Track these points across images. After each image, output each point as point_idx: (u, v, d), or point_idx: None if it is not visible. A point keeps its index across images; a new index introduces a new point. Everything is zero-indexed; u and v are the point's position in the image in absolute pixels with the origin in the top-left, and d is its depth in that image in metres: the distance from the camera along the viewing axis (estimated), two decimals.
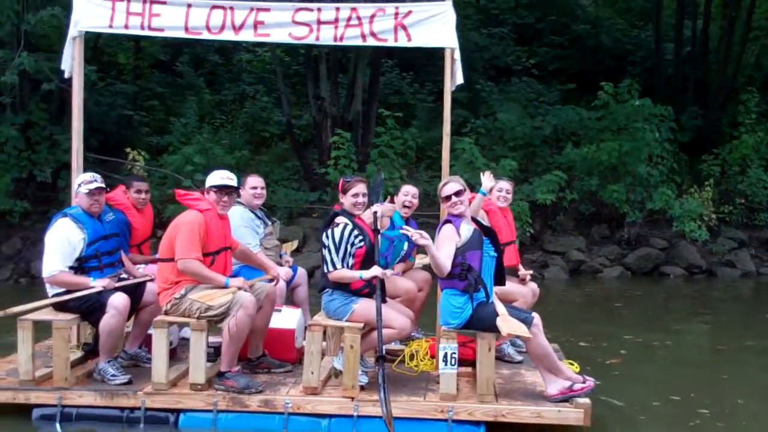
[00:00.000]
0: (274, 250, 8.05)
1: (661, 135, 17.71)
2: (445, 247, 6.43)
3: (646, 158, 17.36)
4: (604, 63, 22.22)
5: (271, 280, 7.19)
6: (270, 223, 8.11)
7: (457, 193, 6.52)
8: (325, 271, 6.64)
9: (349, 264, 6.59)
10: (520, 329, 6.26)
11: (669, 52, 21.95)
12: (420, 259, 8.52)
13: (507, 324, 6.26)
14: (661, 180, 17.52)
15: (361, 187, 6.79)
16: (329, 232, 6.62)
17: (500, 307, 6.45)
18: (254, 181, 7.86)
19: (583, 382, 6.50)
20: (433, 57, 21.90)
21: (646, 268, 17.33)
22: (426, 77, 21.92)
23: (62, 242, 6.77)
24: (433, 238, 6.46)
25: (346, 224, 6.61)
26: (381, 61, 19.84)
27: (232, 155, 17.31)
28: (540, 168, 18.04)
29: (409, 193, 8.06)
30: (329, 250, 6.57)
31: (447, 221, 6.58)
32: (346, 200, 6.77)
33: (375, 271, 6.54)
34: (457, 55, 7.74)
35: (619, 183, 17.23)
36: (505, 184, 8.13)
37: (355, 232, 6.62)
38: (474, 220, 6.71)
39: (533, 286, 8.01)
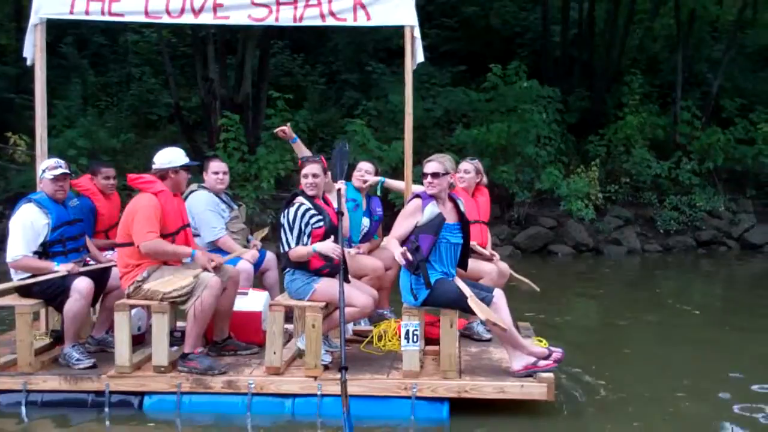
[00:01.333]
0: (241, 233, 8.02)
1: (549, 116, 17.98)
2: (403, 224, 6.46)
3: (534, 139, 17.58)
4: (494, 45, 22.40)
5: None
6: (235, 206, 8.06)
7: (434, 175, 6.47)
8: (282, 250, 6.63)
9: (305, 243, 6.56)
10: (497, 317, 6.24)
11: (556, 35, 22.31)
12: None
13: (482, 310, 6.23)
14: (549, 160, 17.78)
15: (312, 168, 6.73)
16: (285, 211, 6.62)
17: (462, 285, 6.42)
18: (216, 166, 7.80)
19: (548, 357, 6.46)
20: (323, 38, 21.82)
21: (536, 246, 17.64)
22: (317, 59, 21.79)
23: (26, 227, 6.78)
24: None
25: (302, 204, 6.59)
26: (270, 42, 19.59)
27: (117, 138, 16.90)
28: (432, 150, 18.00)
29: (362, 168, 8.04)
30: (284, 230, 6.58)
31: (417, 196, 6.56)
32: (302, 180, 6.73)
33: (328, 245, 6.50)
34: (417, 33, 7.72)
35: (509, 164, 17.42)
36: (465, 165, 8.05)
37: (312, 211, 6.59)
38: (452, 201, 6.67)
39: (503, 266, 7.85)
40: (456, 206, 6.68)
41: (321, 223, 6.61)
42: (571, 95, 20.26)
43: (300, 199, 6.66)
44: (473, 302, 6.28)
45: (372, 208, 8.21)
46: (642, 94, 19.68)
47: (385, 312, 8.00)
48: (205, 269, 6.64)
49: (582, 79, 21.82)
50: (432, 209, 6.44)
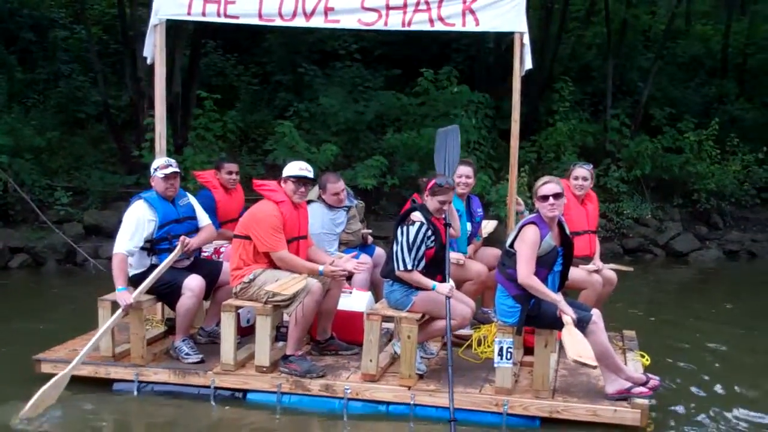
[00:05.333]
0: (356, 234, 8.25)
1: (478, 122, 17.99)
2: (531, 258, 6.36)
3: (464, 144, 17.55)
4: (429, 50, 22.36)
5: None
6: (354, 203, 8.29)
7: (556, 196, 6.40)
8: (396, 268, 6.63)
9: (420, 266, 6.59)
10: (586, 354, 6.12)
11: (490, 41, 22.36)
12: (484, 228, 8.65)
13: (573, 346, 6.16)
14: (479, 166, 17.76)
15: (451, 195, 6.81)
16: (404, 228, 6.62)
17: (564, 313, 6.35)
18: (333, 188, 8.05)
19: (645, 383, 6.48)
20: (257, 39, 21.60)
21: None
22: (251, 59, 21.56)
23: (131, 224, 7.18)
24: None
25: (422, 224, 6.59)
26: (202, 41, 19.35)
27: (42, 137, 16.53)
28: (363, 153, 18.03)
29: (462, 174, 7.97)
30: (401, 248, 6.57)
31: (532, 223, 6.44)
32: (432, 203, 6.75)
33: (445, 287, 6.60)
34: (526, 39, 7.81)
35: None
36: (582, 171, 7.92)
37: (429, 232, 6.60)
38: (560, 225, 6.58)
39: (609, 274, 7.81)
40: (561, 229, 6.61)
41: (433, 244, 6.63)
42: (504, 101, 20.28)
43: (418, 216, 6.66)
44: (567, 335, 6.23)
45: (473, 210, 8.24)
46: (573, 102, 19.83)
47: (490, 312, 8.02)
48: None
49: None
50: (549, 242, 6.40)
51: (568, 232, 6.75)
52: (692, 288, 15.70)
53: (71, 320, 9.58)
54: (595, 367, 6.29)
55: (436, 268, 6.74)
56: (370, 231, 8.61)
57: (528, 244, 6.39)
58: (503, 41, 21.60)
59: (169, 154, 15.70)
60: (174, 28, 17.21)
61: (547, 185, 6.51)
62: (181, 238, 7.26)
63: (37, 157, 16.28)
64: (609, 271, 7.89)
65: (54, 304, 11.82)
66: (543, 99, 20.63)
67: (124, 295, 7.02)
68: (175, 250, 7.23)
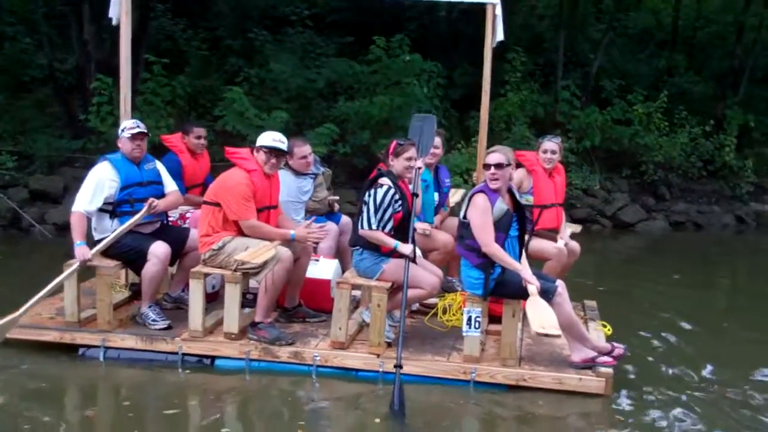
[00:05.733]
0: (323, 202, 8.21)
1: (430, 91, 17.94)
2: (488, 225, 6.42)
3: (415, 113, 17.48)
4: (382, 17, 22.21)
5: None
6: (321, 171, 8.21)
7: (497, 166, 6.44)
8: (360, 227, 6.69)
9: (387, 227, 6.62)
10: (549, 323, 6.23)
11: (443, 10, 22.27)
12: (452, 197, 8.67)
13: (536, 317, 6.25)
14: None
15: (414, 151, 6.80)
16: (372, 192, 6.64)
17: (528, 281, 6.42)
18: (300, 152, 7.97)
19: (610, 352, 6.59)
20: (208, 2, 21.27)
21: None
22: (200, 24, 21.22)
23: (91, 183, 7.14)
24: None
25: (390, 187, 6.62)
26: (150, 4, 18.98)
27: None
28: (314, 121, 17.89)
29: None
30: (368, 209, 6.62)
31: (481, 191, 6.49)
32: (398, 163, 6.76)
33: (409, 248, 6.60)
34: (499, 11, 7.88)
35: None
36: (551, 145, 7.96)
37: (396, 196, 6.63)
38: (510, 192, 6.62)
39: (573, 245, 7.91)
40: (512, 196, 6.66)
41: (400, 208, 6.67)
42: (456, 71, 20.26)
43: (386, 180, 6.69)
44: (531, 306, 6.33)
45: (441, 180, 8.27)
46: (524, 72, 19.85)
47: (455, 281, 8.06)
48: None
49: (467, 55, 21.83)
50: (501, 206, 6.45)
51: (518, 198, 6.84)
52: (640, 258, 15.97)
53: (22, 285, 9.36)
54: (558, 336, 6.47)
55: (403, 234, 6.79)
56: (337, 198, 8.54)
57: (480, 210, 6.48)
58: (455, 9, 21.61)
59: (116, 118, 15.62)
60: None
61: (492, 155, 6.58)
62: (150, 199, 7.23)
63: None
64: (573, 242, 8.05)
65: (2, 269, 11.60)
66: (494, 69, 20.54)
67: (83, 249, 6.99)
68: (142, 211, 7.20)
